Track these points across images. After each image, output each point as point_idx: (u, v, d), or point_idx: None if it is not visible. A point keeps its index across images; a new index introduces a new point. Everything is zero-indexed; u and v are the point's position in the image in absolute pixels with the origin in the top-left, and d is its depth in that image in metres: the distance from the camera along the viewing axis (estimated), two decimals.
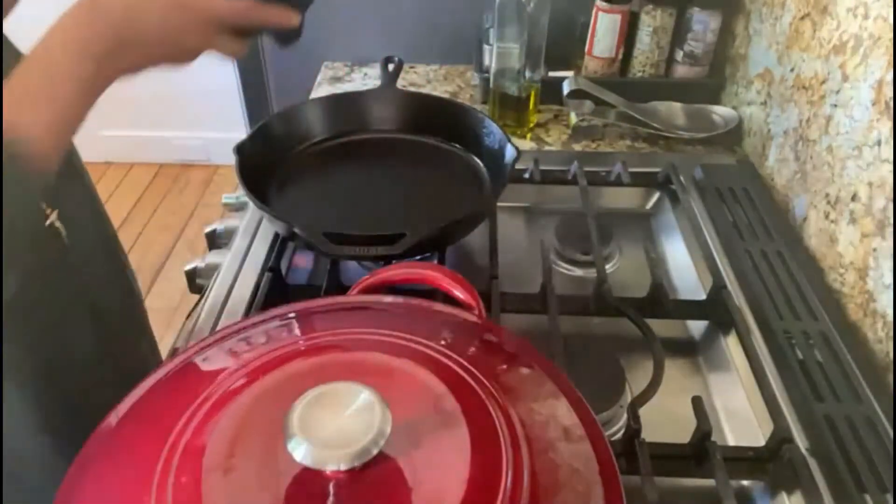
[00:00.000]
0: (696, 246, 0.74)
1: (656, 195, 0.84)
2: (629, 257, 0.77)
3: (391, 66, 0.87)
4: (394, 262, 0.58)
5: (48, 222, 0.56)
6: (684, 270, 0.74)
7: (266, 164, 0.75)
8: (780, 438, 0.51)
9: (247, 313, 0.64)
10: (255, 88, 1.61)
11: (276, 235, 0.72)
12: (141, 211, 2.33)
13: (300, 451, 0.29)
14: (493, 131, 0.77)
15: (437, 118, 0.82)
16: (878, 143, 0.62)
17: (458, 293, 0.48)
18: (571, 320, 0.64)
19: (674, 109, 0.96)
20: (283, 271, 0.69)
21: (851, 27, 0.67)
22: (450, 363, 0.38)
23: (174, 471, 0.32)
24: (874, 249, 0.62)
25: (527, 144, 0.94)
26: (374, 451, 0.30)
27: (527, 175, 0.82)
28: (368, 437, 0.30)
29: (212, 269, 0.72)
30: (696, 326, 0.68)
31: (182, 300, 1.87)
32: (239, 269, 0.70)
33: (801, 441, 0.53)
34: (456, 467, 0.32)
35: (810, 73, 0.75)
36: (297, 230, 0.62)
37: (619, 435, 0.53)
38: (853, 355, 0.60)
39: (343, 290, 0.51)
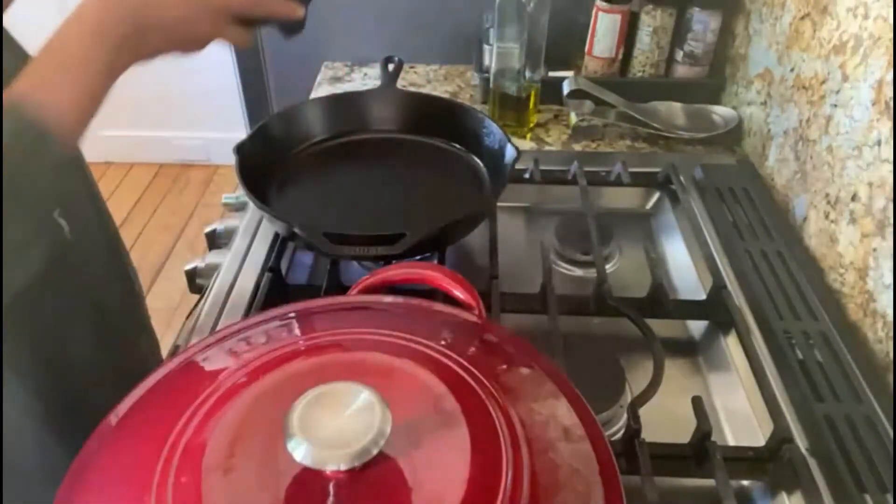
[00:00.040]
0: (696, 246, 0.74)
1: (656, 195, 0.84)
2: (629, 257, 0.77)
3: (391, 66, 0.87)
4: (394, 262, 0.58)
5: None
6: (684, 270, 0.74)
7: (266, 164, 0.75)
8: (780, 438, 0.51)
9: (247, 313, 0.64)
10: (255, 88, 1.61)
11: (276, 235, 0.72)
12: (141, 211, 2.33)
13: (300, 451, 0.29)
14: (493, 131, 0.77)
15: (437, 118, 0.82)
16: (878, 143, 0.62)
17: (458, 293, 0.48)
18: (571, 320, 0.64)
19: (674, 109, 0.96)
20: (283, 271, 0.69)
21: (851, 27, 0.67)
22: (450, 363, 0.38)
23: (174, 471, 0.32)
24: (874, 249, 0.62)
25: (527, 144, 0.94)
26: (374, 451, 0.30)
27: (527, 175, 0.82)
28: (368, 437, 0.30)
29: (212, 269, 0.72)
30: (696, 326, 0.68)
31: (182, 300, 1.87)
32: (239, 269, 0.70)
33: (801, 441, 0.53)
34: (456, 467, 0.32)
35: (810, 73, 0.75)
36: (297, 230, 0.62)
37: (619, 435, 0.53)
38: (853, 355, 0.60)
39: (343, 290, 0.51)
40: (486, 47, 1.02)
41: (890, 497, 0.49)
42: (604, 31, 0.97)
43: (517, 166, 0.71)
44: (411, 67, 1.15)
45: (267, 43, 1.27)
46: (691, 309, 0.67)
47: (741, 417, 0.58)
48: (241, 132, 0.77)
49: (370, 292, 0.48)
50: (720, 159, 0.89)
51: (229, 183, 2.38)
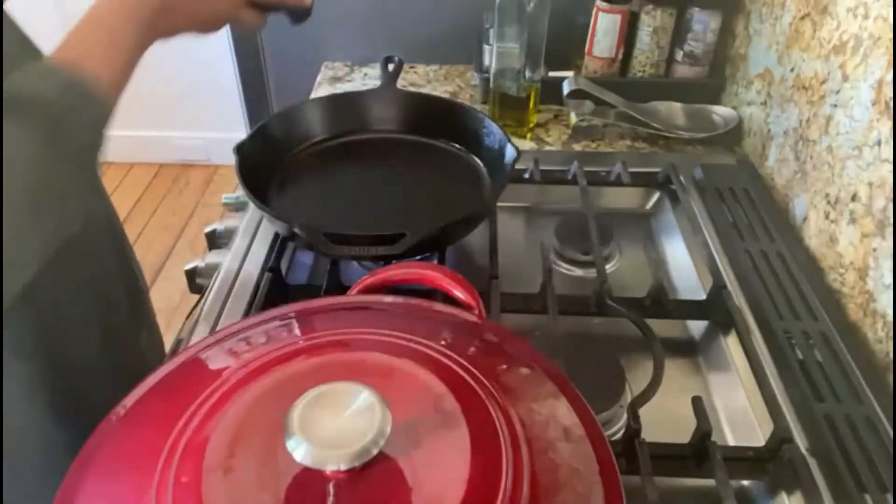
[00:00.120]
0: (696, 246, 0.74)
1: (656, 195, 0.84)
2: (629, 257, 0.77)
3: (391, 66, 0.87)
4: (394, 262, 0.58)
5: None
6: (684, 270, 0.74)
7: (266, 164, 0.75)
8: (780, 438, 0.51)
9: (247, 313, 0.64)
10: (255, 88, 1.61)
11: (276, 235, 0.72)
12: (141, 211, 2.33)
13: (300, 451, 0.29)
14: (493, 131, 0.77)
15: (437, 118, 0.82)
16: (878, 143, 0.62)
17: (458, 293, 0.48)
18: (571, 320, 0.64)
19: (674, 109, 0.96)
20: (283, 271, 0.69)
21: (851, 27, 0.67)
22: (450, 363, 0.38)
23: (174, 470, 0.32)
24: (874, 249, 0.62)
25: (527, 144, 0.94)
26: (374, 451, 0.30)
27: (527, 175, 0.82)
28: (368, 437, 0.30)
29: (212, 269, 0.72)
30: (696, 326, 0.68)
31: (182, 300, 1.87)
32: (239, 269, 0.70)
33: (801, 441, 0.53)
34: (456, 467, 0.32)
35: (810, 73, 0.75)
36: (297, 230, 0.62)
37: (619, 435, 0.53)
38: (853, 355, 0.60)
39: (343, 290, 0.51)
40: (486, 47, 1.02)
41: (890, 497, 0.49)
42: (604, 31, 0.97)
43: (517, 166, 0.71)
44: (411, 67, 1.15)
45: (267, 43, 1.27)
46: (691, 309, 0.67)
47: (741, 417, 0.58)
48: (241, 132, 0.77)
49: (370, 292, 0.48)
50: (720, 159, 0.89)
51: (229, 183, 2.38)
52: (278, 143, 0.78)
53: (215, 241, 0.79)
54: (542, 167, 0.83)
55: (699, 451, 0.51)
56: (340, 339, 0.41)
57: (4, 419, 0.55)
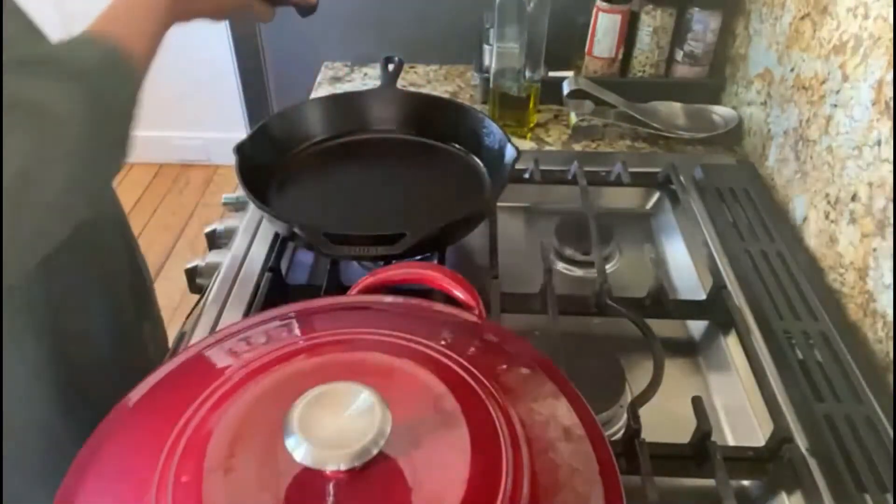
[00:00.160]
0: (696, 246, 0.74)
1: (656, 195, 0.84)
2: (629, 257, 0.77)
3: (391, 66, 0.87)
4: (394, 262, 0.58)
5: None
6: (684, 270, 0.74)
7: (266, 164, 0.75)
8: (780, 438, 0.51)
9: (247, 313, 0.64)
10: (255, 88, 1.61)
11: (276, 235, 0.72)
12: (141, 211, 2.33)
13: (300, 451, 0.29)
14: (493, 131, 0.77)
15: (437, 118, 0.82)
16: (878, 143, 0.62)
17: (458, 293, 0.48)
18: (571, 320, 0.64)
19: (674, 109, 0.96)
20: (283, 271, 0.69)
21: (851, 27, 0.67)
22: (450, 363, 0.38)
23: (174, 470, 0.32)
24: (874, 249, 0.62)
25: (527, 144, 0.94)
26: (374, 451, 0.30)
27: (527, 175, 0.82)
28: (368, 437, 0.30)
29: (212, 269, 0.72)
30: (696, 326, 0.68)
31: (182, 300, 1.87)
32: (239, 269, 0.70)
33: (801, 441, 0.53)
34: (456, 467, 0.32)
35: (810, 73, 0.75)
36: (297, 230, 0.62)
37: (619, 435, 0.53)
38: (853, 355, 0.60)
39: (343, 290, 0.51)
40: (486, 47, 1.02)
41: (890, 497, 0.49)
42: (604, 31, 0.97)
43: (517, 166, 0.71)
44: (411, 67, 1.15)
45: (267, 43, 1.27)
46: (691, 309, 0.67)
47: (741, 417, 0.58)
48: (241, 132, 0.77)
49: (370, 292, 0.48)
50: (720, 159, 0.89)
51: (229, 183, 2.38)
52: (278, 143, 0.78)
53: (215, 241, 0.79)
54: (542, 167, 0.83)
55: (699, 451, 0.51)
56: (340, 339, 0.41)
57: (6, 416, 0.55)
